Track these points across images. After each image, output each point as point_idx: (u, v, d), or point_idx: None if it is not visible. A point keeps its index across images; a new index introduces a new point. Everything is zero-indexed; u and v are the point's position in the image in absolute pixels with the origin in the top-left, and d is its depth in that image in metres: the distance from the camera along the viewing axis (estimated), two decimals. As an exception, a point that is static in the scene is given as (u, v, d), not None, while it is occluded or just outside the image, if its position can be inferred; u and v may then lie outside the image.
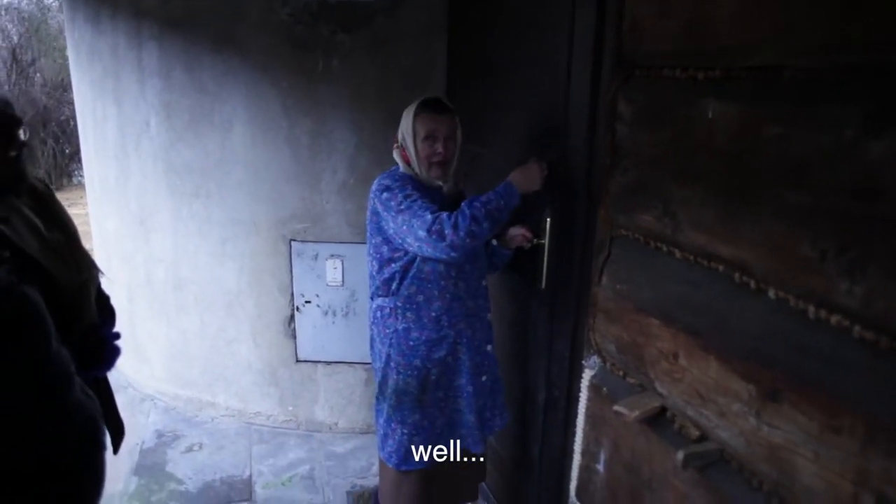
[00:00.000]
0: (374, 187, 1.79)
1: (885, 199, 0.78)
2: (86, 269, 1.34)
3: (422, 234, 1.64)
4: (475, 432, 1.89)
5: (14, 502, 0.98)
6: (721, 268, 1.08)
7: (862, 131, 0.81)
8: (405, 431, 1.86)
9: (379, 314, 1.87)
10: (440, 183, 1.83)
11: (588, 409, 1.51)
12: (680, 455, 1.09)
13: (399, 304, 1.81)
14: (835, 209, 0.85)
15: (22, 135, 1.20)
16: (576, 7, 1.56)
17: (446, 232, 1.61)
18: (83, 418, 1.05)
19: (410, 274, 1.78)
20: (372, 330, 1.92)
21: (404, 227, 1.68)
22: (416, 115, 1.78)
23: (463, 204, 1.67)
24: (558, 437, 1.82)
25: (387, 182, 1.77)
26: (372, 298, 1.90)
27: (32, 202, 1.26)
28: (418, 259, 1.76)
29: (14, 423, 0.97)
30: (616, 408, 1.26)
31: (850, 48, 0.83)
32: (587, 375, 1.52)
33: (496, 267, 2.00)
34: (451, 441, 1.92)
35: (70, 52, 3.38)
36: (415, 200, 1.69)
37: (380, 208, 1.75)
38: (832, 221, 0.85)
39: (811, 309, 0.89)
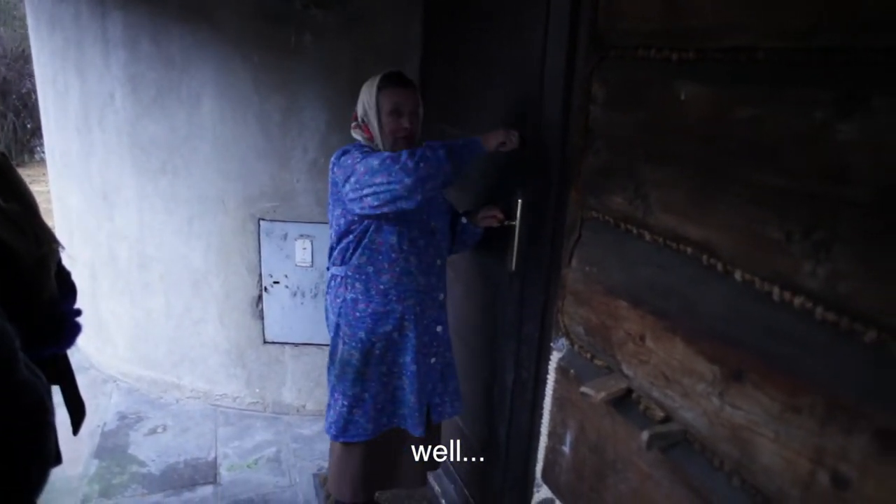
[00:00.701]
0: (332, 159, 1.78)
1: (851, 182, 0.79)
2: (45, 242, 1.28)
3: (375, 163, 1.61)
4: (415, 415, 1.87)
5: None
6: (689, 250, 1.08)
7: (832, 114, 0.81)
8: (345, 403, 1.86)
9: (332, 283, 1.86)
10: None
11: (555, 390, 1.52)
12: (644, 436, 1.10)
13: (350, 273, 1.80)
14: (803, 191, 0.85)
15: None
16: (552, -14, 1.54)
17: (402, 158, 1.59)
18: (29, 400, 1.00)
19: (363, 244, 1.76)
20: (326, 299, 1.91)
21: (362, 169, 1.63)
22: (379, 88, 1.75)
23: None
24: (525, 419, 1.83)
25: (346, 148, 1.77)
26: (328, 269, 1.89)
27: None
28: (372, 228, 1.75)
29: None
30: (583, 389, 1.27)
31: (823, 31, 0.83)
32: (555, 357, 1.52)
33: (466, 245, 2.00)
34: (393, 420, 1.91)
35: (29, 21, 3.25)
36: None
37: (339, 174, 1.72)
38: (800, 204, 0.86)
39: (776, 290, 0.90)
